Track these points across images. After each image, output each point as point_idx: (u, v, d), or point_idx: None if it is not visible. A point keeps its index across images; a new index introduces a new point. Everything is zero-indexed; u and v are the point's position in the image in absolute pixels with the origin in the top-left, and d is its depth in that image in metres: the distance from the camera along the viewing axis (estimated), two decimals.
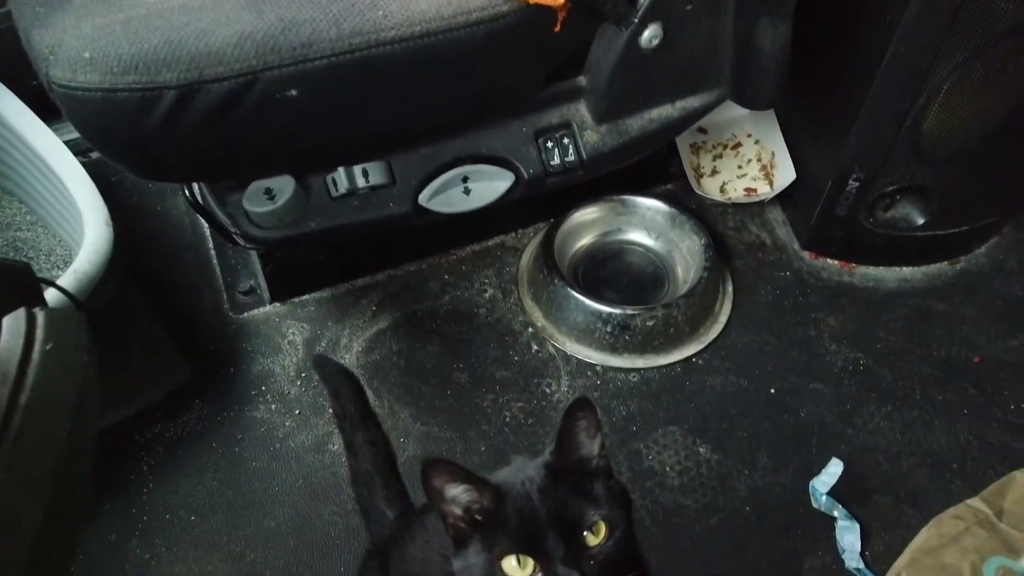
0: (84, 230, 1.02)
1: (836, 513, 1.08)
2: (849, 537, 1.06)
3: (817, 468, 1.13)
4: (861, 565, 1.04)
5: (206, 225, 1.38)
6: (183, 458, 1.15)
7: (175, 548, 1.07)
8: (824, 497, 1.09)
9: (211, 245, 1.38)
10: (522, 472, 0.62)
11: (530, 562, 0.58)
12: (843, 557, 1.05)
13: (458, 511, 0.60)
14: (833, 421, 1.19)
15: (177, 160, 0.90)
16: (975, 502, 0.86)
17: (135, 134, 0.83)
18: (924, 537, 0.84)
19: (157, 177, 1.11)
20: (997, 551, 0.80)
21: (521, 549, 0.58)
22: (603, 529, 0.59)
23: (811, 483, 1.11)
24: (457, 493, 0.59)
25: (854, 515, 1.08)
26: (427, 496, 0.60)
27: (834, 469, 1.11)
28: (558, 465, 0.62)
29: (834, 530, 1.08)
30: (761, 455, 1.16)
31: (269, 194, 1.05)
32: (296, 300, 1.32)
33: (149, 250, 1.37)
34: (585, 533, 0.59)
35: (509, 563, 0.58)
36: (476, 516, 0.60)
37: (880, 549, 1.07)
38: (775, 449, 1.16)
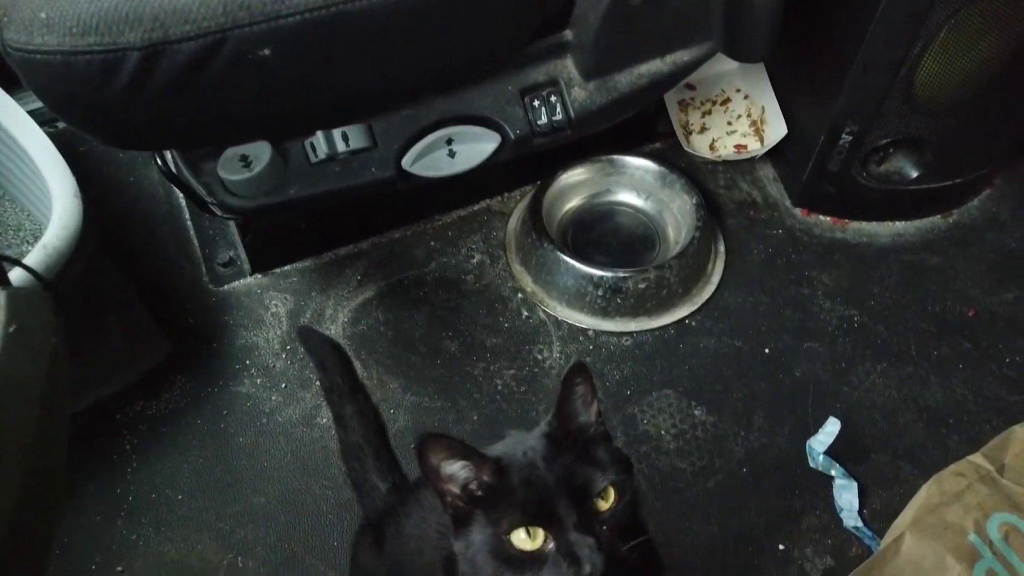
0: (52, 203, 0.98)
1: (834, 472, 1.07)
2: (847, 496, 1.05)
3: (813, 427, 1.12)
4: (860, 523, 1.03)
5: (181, 195, 1.34)
6: (167, 436, 1.12)
7: (162, 528, 1.04)
8: (821, 456, 1.08)
9: (187, 216, 1.34)
10: (521, 444, 0.60)
11: (540, 533, 0.55)
12: (841, 516, 1.04)
13: (456, 489, 0.58)
14: (828, 380, 1.18)
15: (144, 126, 0.85)
16: (976, 458, 0.85)
17: (98, 99, 0.78)
18: (926, 495, 0.83)
19: (125, 145, 1.07)
20: (1000, 507, 0.79)
21: (531, 521, 0.55)
22: (612, 494, 0.57)
23: (808, 443, 1.10)
24: (455, 470, 0.57)
25: (851, 473, 1.07)
26: (423, 474, 0.57)
27: (831, 428, 1.10)
28: (558, 434, 0.59)
29: (832, 489, 1.07)
30: (757, 416, 1.14)
31: (245, 161, 1.01)
32: (278, 271, 1.28)
33: (122, 223, 1.32)
34: (595, 499, 0.57)
35: (518, 536, 0.56)
36: (476, 493, 0.58)
37: (878, 507, 1.06)
38: (771, 410, 1.15)
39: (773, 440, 1.12)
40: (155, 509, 1.06)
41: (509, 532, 0.56)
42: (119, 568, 1.01)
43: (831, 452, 1.09)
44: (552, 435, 0.60)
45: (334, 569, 1.01)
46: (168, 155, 1.06)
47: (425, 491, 0.77)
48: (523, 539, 0.55)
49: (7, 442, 0.48)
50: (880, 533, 1.01)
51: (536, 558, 0.56)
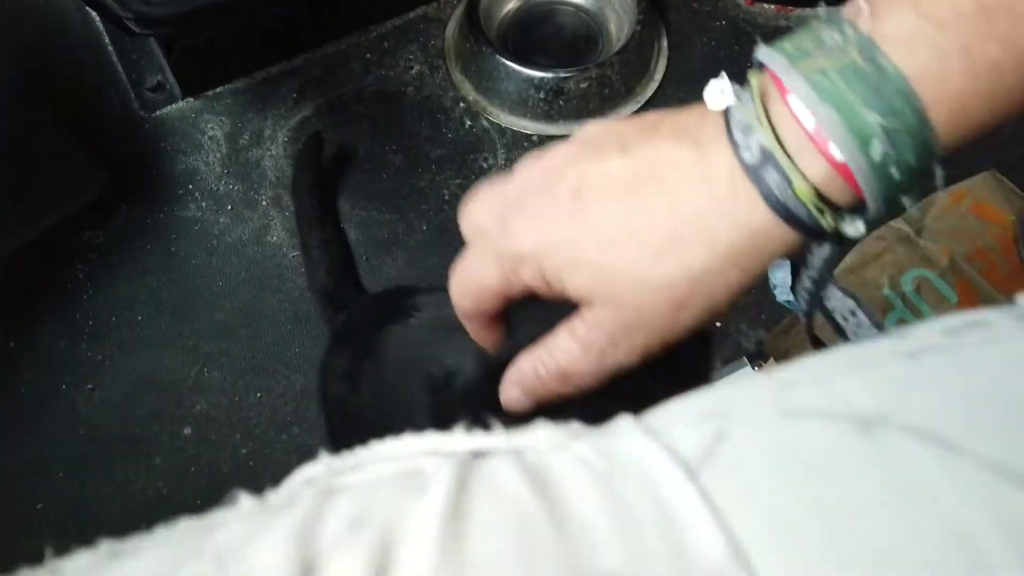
0: None
1: None
2: (780, 273, 1.10)
3: None
4: (791, 297, 1.09)
5: (97, 18, 1.26)
6: (118, 262, 1.13)
7: (127, 347, 1.07)
8: None
9: (107, 41, 1.27)
10: None
11: None
12: (775, 292, 1.11)
13: None
14: None
15: None
16: (896, 222, 0.89)
17: None
18: (847, 260, 0.88)
19: None
20: (915, 264, 0.85)
21: None
22: None
23: None
24: None
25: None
26: None
27: None
28: None
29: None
30: None
31: None
32: (210, 93, 1.24)
33: (37, 50, 1.25)
34: None
35: None
36: None
37: None
38: None
39: None
40: (117, 331, 1.08)
41: None
42: (89, 386, 1.05)
43: None
44: None
45: (297, 372, 1.06)
46: None
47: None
48: None
49: None
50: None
51: None
